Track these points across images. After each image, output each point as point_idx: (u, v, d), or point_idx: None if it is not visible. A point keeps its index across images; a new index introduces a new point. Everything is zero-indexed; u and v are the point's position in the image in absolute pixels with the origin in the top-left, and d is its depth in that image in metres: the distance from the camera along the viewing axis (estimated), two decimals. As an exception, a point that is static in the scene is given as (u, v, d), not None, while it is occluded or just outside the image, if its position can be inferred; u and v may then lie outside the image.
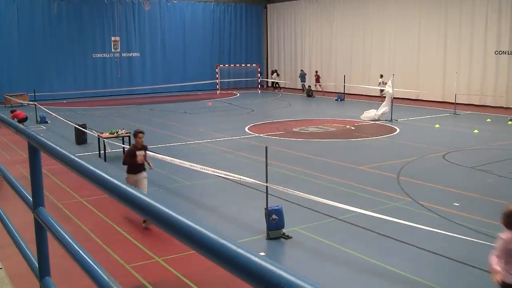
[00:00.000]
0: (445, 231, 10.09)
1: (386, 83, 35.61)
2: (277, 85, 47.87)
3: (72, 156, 2.25)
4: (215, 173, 13.61)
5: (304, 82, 45.34)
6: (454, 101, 30.52)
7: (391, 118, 26.96)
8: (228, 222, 12.13)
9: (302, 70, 46.67)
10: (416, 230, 10.26)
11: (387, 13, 38.96)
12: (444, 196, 13.62)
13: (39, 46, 40.42)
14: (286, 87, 48.59)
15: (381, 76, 38.26)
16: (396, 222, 10.28)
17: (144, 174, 12.16)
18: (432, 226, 10.38)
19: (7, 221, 4.15)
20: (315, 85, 44.35)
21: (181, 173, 15.95)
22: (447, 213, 12.21)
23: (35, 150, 2.93)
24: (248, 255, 1.23)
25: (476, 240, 9.84)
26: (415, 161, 17.78)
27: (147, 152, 12.56)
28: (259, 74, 47.78)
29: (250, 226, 11.68)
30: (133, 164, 11.97)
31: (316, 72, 45.13)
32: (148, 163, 12.48)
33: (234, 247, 1.26)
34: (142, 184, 11.97)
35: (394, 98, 28.14)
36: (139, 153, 12.07)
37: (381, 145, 21.15)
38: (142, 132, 12.47)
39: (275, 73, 48.61)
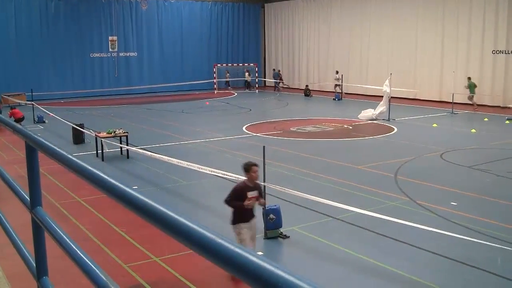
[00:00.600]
0: (443, 230, 10.09)
1: (339, 79, 40.20)
2: (248, 84, 48.07)
3: (70, 156, 2.25)
4: (212, 173, 13.60)
5: (277, 80, 46.55)
6: (451, 101, 30.54)
7: (389, 118, 26.98)
8: (225, 221, 12.10)
9: (274, 70, 47.97)
10: (414, 229, 10.26)
11: (385, 13, 38.99)
12: (441, 196, 13.63)
13: (36, 45, 40.38)
14: (284, 86, 48.61)
15: (337, 72, 40.82)
16: (394, 221, 10.28)
17: (255, 219, 9.35)
18: (429, 225, 10.38)
19: (5, 221, 4.14)
20: (279, 82, 46.19)
21: (179, 172, 15.94)
22: (444, 212, 12.22)
23: (32, 149, 2.92)
24: (246, 254, 1.23)
25: (474, 240, 9.85)
26: (412, 161, 17.79)
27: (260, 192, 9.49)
28: (256, 74, 47.79)
29: (248, 225, 11.66)
30: (243, 210, 9.02)
31: (279, 71, 47.63)
32: (260, 201, 9.36)
33: (232, 247, 1.26)
34: (254, 233, 9.38)
35: (391, 97, 28.16)
36: (251, 195, 9.10)
37: (379, 144, 21.17)
38: (256, 165, 9.57)
39: (246, 73, 48.54)
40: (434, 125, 25.39)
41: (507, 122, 26.26)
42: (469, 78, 31.67)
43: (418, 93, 36.34)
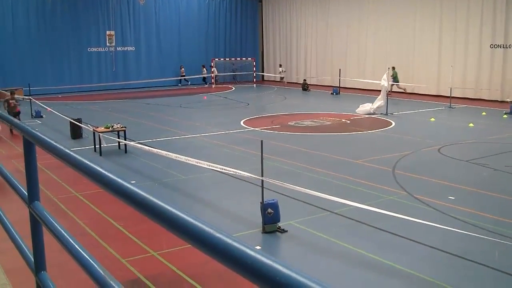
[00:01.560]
0: (441, 224, 10.11)
1: (285, 71, 43.56)
2: (204, 80, 47.65)
3: (67, 151, 2.25)
4: (210, 167, 13.59)
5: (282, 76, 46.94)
6: (449, 95, 30.57)
7: (387, 112, 26.99)
8: (223, 216, 12.14)
9: (233, 64, 48.08)
10: (412, 223, 10.28)
11: (383, 7, 38.99)
12: (439, 190, 13.65)
13: (33, 40, 40.32)
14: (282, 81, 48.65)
15: (280, 65, 44.70)
16: (391, 215, 10.30)
17: None
18: (427, 219, 10.40)
19: (3, 215, 4.14)
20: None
21: (177, 167, 15.95)
22: (442, 206, 12.24)
23: (30, 144, 2.92)
24: (244, 248, 1.23)
25: (471, 234, 9.87)
26: (410, 155, 17.81)
27: None
28: (254, 68, 47.76)
29: (246, 220, 11.69)
30: None
31: (209, 66, 46.83)
32: None
33: (229, 241, 1.27)
34: None
35: (389, 91, 28.15)
36: None
37: (377, 138, 21.18)
38: None
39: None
40: (432, 119, 25.40)
41: (505, 116, 26.30)
42: (393, 68, 35.29)
43: (416, 87, 36.33)
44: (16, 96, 25.51)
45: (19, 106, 24.94)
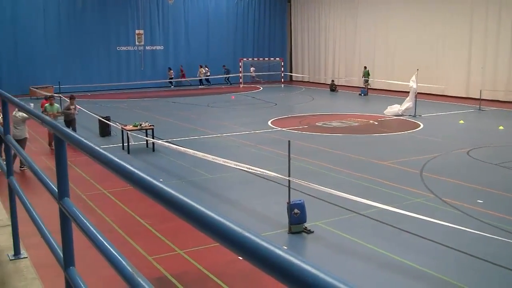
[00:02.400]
0: (468, 228, 10.00)
1: (254, 71, 44.34)
2: (201, 82, 46.43)
3: (98, 148, 2.27)
4: (237, 167, 13.63)
5: (228, 78, 46.67)
6: (479, 97, 30.19)
7: (415, 114, 26.77)
8: (249, 215, 12.15)
9: (224, 66, 47.09)
10: (439, 226, 10.18)
11: (411, 8, 38.59)
12: (467, 193, 13.50)
13: (64, 39, 40.85)
14: (310, 81, 48.51)
15: (251, 65, 45.80)
16: (418, 218, 10.22)
17: None
18: (454, 223, 10.30)
19: (33, 211, 4.20)
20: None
21: (204, 166, 16.01)
22: (470, 210, 12.11)
23: (60, 141, 2.95)
24: (273, 248, 1.23)
25: (500, 238, 9.75)
26: (438, 157, 17.64)
27: None
28: (282, 68, 47.68)
29: (272, 220, 11.69)
30: None
31: (180, 66, 45.81)
32: None
33: (258, 240, 1.27)
34: None
35: (418, 93, 27.92)
36: None
37: (405, 140, 21.02)
38: None
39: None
40: (461, 121, 25.13)
41: (536, 119, 25.92)
42: (365, 67, 40.12)
43: (445, 89, 35.94)
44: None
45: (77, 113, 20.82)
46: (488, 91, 31.63)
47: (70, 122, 19.96)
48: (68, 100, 20.90)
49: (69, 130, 2.72)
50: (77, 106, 20.85)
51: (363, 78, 39.70)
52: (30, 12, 39.47)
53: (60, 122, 3.36)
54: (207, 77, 46.22)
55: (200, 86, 45.39)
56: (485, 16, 33.58)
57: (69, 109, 20.01)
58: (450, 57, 36.05)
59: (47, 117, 3.46)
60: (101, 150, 2.23)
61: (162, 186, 1.67)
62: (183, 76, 45.98)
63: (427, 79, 35.05)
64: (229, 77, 46.95)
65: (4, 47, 38.76)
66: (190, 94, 39.59)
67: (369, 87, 39.31)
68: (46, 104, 19.92)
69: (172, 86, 45.41)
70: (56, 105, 20.29)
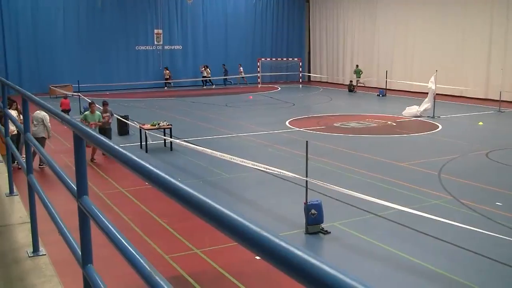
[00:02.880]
0: (487, 230, 9.92)
1: (242, 71, 44.21)
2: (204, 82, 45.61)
3: (117, 147, 2.28)
4: (255, 167, 13.63)
5: (226, 78, 46.27)
6: (499, 99, 29.91)
7: (434, 115, 26.59)
8: (266, 215, 12.15)
9: (224, 65, 46.46)
10: (457, 228, 10.11)
11: (431, 9, 38.29)
12: (486, 195, 13.39)
13: (83, 38, 41.15)
14: (328, 81, 48.37)
15: (240, 65, 45.65)
16: (436, 220, 10.16)
17: None
18: (473, 225, 10.22)
19: (52, 208, 4.23)
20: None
21: (221, 165, 16.03)
22: (489, 212, 12.00)
23: (80, 140, 2.97)
24: (291, 248, 1.23)
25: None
26: (457, 159, 17.51)
27: None
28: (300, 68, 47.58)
29: (289, 220, 11.69)
30: None
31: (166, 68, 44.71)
32: None
33: (277, 240, 1.27)
34: None
35: (436, 94, 27.74)
36: None
37: (423, 141, 20.89)
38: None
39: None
40: (480, 123, 24.92)
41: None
42: (356, 66, 42.86)
43: (464, 90, 35.64)
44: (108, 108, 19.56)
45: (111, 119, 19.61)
46: (508, 93, 31.32)
47: (105, 131, 18.35)
48: (101, 107, 19.54)
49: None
50: (112, 112, 19.62)
51: (356, 78, 41.70)
52: (50, 12, 39.81)
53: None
54: (221, 78, 46.10)
55: (204, 87, 45.22)
56: (505, 16, 33.22)
57: (102, 117, 18.33)
58: (469, 58, 35.70)
59: (66, 116, 3.47)
60: (120, 149, 2.24)
61: (181, 185, 1.68)
62: (226, 73, 46.33)
63: (446, 80, 34.78)
64: (228, 77, 46.83)
65: (24, 46, 39.13)
66: (208, 93, 39.66)
67: (359, 84, 41.41)
68: (87, 112, 18.22)
69: (206, 86, 45.07)
70: (98, 113, 18.26)
